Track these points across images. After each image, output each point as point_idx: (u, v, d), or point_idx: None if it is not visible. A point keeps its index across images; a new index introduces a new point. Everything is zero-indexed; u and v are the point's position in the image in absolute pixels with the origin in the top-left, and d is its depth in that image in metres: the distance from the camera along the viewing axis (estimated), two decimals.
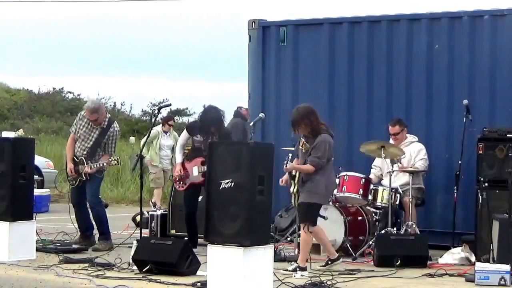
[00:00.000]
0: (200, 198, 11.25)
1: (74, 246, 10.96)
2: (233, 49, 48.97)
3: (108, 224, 11.31)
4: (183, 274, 8.96)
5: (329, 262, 9.72)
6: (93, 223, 11.38)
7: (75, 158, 11.29)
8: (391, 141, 11.48)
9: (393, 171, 10.89)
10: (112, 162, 11.20)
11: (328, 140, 9.61)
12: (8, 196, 10.17)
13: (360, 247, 10.86)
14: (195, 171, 10.98)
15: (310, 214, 9.58)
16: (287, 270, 9.34)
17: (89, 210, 11.32)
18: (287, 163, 9.56)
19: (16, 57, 51.72)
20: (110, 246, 11.08)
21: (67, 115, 33.84)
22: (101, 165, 11.15)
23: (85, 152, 11.22)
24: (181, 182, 11.11)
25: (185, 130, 11.24)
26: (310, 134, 9.62)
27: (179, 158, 11.13)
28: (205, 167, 10.43)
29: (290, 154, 9.74)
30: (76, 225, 11.46)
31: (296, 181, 9.65)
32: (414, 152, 11.35)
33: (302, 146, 9.73)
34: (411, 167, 11.10)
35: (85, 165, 11.14)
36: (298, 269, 9.36)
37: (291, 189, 9.74)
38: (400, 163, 11.10)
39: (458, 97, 11.51)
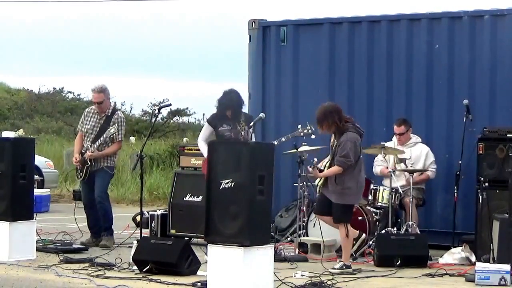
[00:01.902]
0: (200, 198, 11.25)
1: (75, 246, 10.97)
2: (233, 49, 48.98)
3: (113, 219, 11.42)
4: (183, 274, 8.96)
5: (344, 267, 9.62)
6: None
7: (82, 151, 11.37)
8: (394, 139, 11.49)
9: (394, 171, 10.89)
10: (111, 130, 11.16)
11: (354, 139, 9.62)
12: (8, 196, 10.17)
13: (360, 247, 10.85)
14: None
15: (345, 215, 9.72)
16: (333, 268, 9.47)
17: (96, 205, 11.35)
18: (313, 168, 9.65)
19: (16, 57, 51.78)
20: (113, 240, 11.24)
21: (67, 115, 33.84)
22: (102, 139, 11.15)
23: (91, 142, 11.30)
24: None
25: (207, 125, 10.51)
26: (336, 132, 9.67)
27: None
28: None
29: (316, 159, 9.83)
30: (78, 224, 11.48)
31: None
32: (421, 155, 11.32)
33: (332, 144, 9.80)
34: (426, 170, 11.25)
35: (89, 149, 11.23)
36: (344, 267, 9.50)
37: (316, 181, 9.81)
38: (405, 164, 11.08)
39: (458, 97, 11.51)
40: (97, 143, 11.24)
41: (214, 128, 10.42)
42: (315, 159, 9.93)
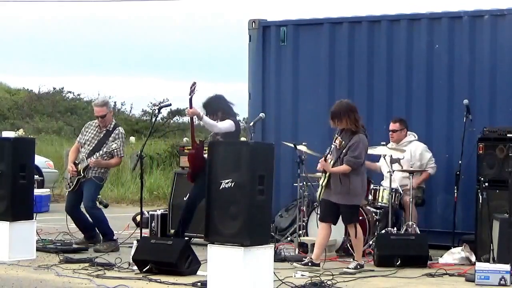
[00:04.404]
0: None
1: (75, 246, 10.96)
2: (233, 49, 49.01)
3: (108, 224, 11.22)
4: (183, 274, 8.96)
5: (358, 267, 9.66)
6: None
7: (76, 162, 11.25)
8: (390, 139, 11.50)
9: (393, 171, 10.89)
10: (113, 146, 11.07)
11: (366, 142, 9.67)
12: (8, 196, 10.17)
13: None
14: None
15: (354, 215, 9.78)
16: (348, 268, 9.52)
17: (87, 215, 11.22)
18: (325, 160, 9.57)
19: (16, 57, 51.79)
20: (115, 247, 10.98)
21: (67, 115, 33.88)
22: (102, 152, 11.02)
23: (87, 155, 11.15)
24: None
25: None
26: (349, 130, 9.63)
27: None
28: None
29: (328, 152, 9.73)
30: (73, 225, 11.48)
31: (327, 174, 9.66)
32: (416, 154, 11.32)
33: (335, 142, 9.73)
34: (426, 170, 11.29)
35: (84, 161, 11.09)
36: (358, 266, 9.56)
37: (321, 181, 9.76)
38: (399, 163, 11.09)
39: (458, 97, 11.51)
40: (96, 155, 11.04)
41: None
42: (329, 152, 9.77)
